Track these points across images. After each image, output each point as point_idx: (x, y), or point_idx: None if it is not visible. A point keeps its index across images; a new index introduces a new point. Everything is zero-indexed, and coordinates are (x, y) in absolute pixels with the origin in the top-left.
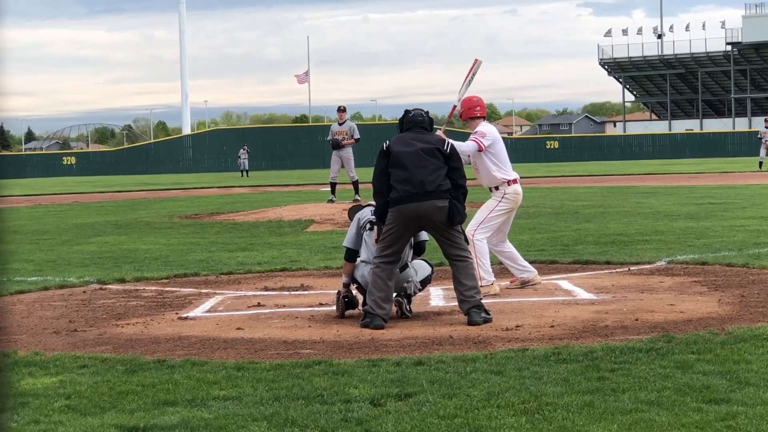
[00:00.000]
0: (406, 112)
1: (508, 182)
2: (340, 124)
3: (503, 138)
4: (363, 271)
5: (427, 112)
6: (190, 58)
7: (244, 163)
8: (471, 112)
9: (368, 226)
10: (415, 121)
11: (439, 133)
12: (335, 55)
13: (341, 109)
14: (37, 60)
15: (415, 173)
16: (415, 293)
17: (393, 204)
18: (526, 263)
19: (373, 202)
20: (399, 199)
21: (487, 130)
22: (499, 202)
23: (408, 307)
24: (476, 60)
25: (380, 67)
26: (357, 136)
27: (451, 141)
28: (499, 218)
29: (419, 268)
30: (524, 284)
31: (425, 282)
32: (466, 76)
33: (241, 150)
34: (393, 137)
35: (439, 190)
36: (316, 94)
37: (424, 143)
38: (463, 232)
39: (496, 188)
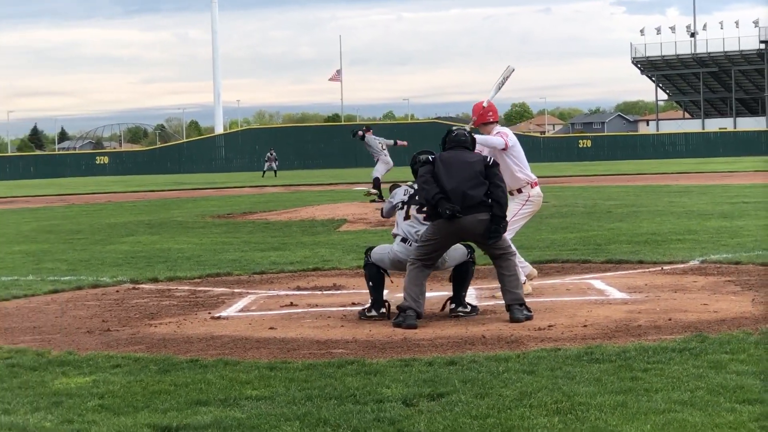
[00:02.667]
0: (449, 132)
1: (531, 184)
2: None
3: (531, 138)
4: (386, 258)
5: (470, 132)
6: (223, 58)
7: (271, 165)
8: (484, 118)
9: (399, 205)
10: (458, 141)
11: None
12: (368, 54)
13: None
14: (72, 60)
15: (457, 189)
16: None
17: (434, 218)
18: (522, 259)
19: (406, 185)
20: (441, 214)
21: (507, 132)
22: (523, 205)
23: (452, 306)
24: (508, 66)
25: (414, 66)
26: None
27: (490, 156)
28: (523, 221)
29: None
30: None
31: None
32: (497, 82)
33: (268, 154)
34: (437, 154)
35: (481, 204)
36: (349, 93)
37: (466, 160)
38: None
39: (519, 191)
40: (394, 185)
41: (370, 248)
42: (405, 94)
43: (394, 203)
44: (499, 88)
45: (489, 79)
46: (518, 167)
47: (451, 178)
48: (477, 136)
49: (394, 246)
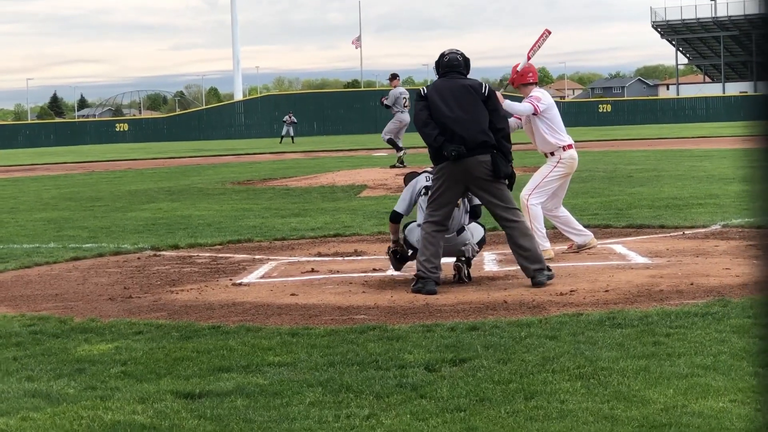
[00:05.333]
0: (442, 55)
1: (564, 147)
2: None
3: (556, 102)
4: (419, 235)
5: (462, 54)
6: (251, 24)
7: (289, 130)
8: (523, 79)
9: (423, 191)
10: (451, 65)
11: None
12: (396, 20)
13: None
14: (101, 27)
15: (456, 131)
16: (473, 256)
17: (437, 162)
18: (581, 227)
19: (428, 169)
20: (447, 156)
21: (542, 95)
22: (555, 167)
23: (467, 271)
24: (546, 30)
25: (441, 31)
26: (385, 102)
27: (489, 86)
28: (554, 183)
29: (474, 230)
30: (581, 248)
31: (480, 243)
32: (534, 45)
33: (286, 117)
34: (430, 85)
35: (481, 145)
36: (373, 59)
37: (461, 93)
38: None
39: (551, 153)
40: (411, 174)
41: (407, 224)
42: (430, 60)
43: (417, 190)
44: (536, 52)
45: (514, 44)
46: (551, 131)
47: (448, 116)
48: (505, 102)
49: (420, 235)
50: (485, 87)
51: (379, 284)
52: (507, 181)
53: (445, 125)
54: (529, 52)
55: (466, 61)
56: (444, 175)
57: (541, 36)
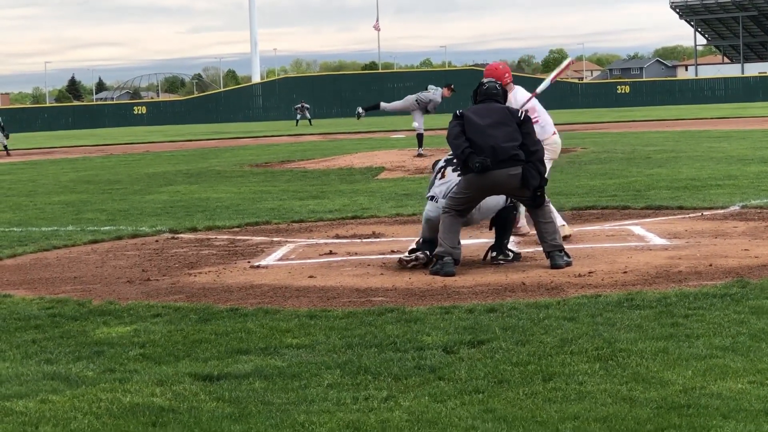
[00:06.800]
0: (480, 84)
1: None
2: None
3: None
4: (430, 207)
5: (500, 84)
6: (269, 6)
7: (305, 113)
8: (503, 81)
9: (438, 169)
10: (489, 94)
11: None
12: (414, 2)
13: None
14: (119, 10)
15: (487, 143)
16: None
17: (465, 172)
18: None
19: (447, 154)
20: (472, 168)
21: (531, 101)
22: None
23: (493, 254)
24: (572, 60)
25: (459, 12)
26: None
27: (524, 109)
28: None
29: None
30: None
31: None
32: (557, 74)
33: (298, 105)
34: (467, 108)
35: (511, 158)
36: (392, 41)
37: (497, 113)
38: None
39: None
40: (437, 161)
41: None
42: (448, 41)
43: (435, 172)
44: (558, 77)
45: (533, 25)
46: (542, 129)
47: (481, 131)
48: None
49: (426, 206)
50: (522, 113)
51: (397, 266)
52: (537, 193)
53: (476, 136)
54: (554, 77)
55: (504, 92)
56: (471, 186)
57: (568, 64)
